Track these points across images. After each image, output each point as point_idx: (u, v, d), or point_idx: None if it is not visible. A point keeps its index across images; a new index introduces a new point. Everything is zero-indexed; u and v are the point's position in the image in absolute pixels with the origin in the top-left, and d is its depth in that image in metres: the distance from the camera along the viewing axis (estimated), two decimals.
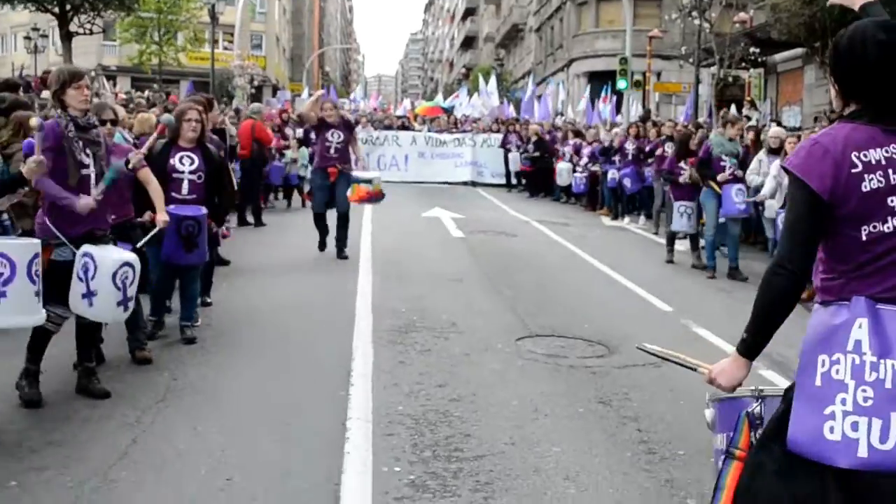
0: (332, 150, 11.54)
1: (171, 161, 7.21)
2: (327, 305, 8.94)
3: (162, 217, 6.60)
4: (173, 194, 7.14)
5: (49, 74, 19.84)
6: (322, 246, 11.96)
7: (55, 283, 5.54)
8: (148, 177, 6.58)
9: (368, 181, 11.64)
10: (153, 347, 6.99)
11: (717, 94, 26.17)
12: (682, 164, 12.28)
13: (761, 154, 12.58)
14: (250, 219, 14.94)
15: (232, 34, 40.80)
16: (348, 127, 11.96)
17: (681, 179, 12.04)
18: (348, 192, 11.54)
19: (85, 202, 5.64)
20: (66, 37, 28.18)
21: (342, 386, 6.21)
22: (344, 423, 5.46)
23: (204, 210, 7.24)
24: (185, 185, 7.24)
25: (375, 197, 11.72)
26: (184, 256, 7.11)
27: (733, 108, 23.68)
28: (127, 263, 5.73)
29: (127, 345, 6.78)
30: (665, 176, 13.22)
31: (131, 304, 5.91)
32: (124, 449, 4.97)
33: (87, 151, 5.76)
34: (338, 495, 4.41)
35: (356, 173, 11.63)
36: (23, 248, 5.12)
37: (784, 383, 6.59)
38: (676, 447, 5.28)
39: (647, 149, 17.22)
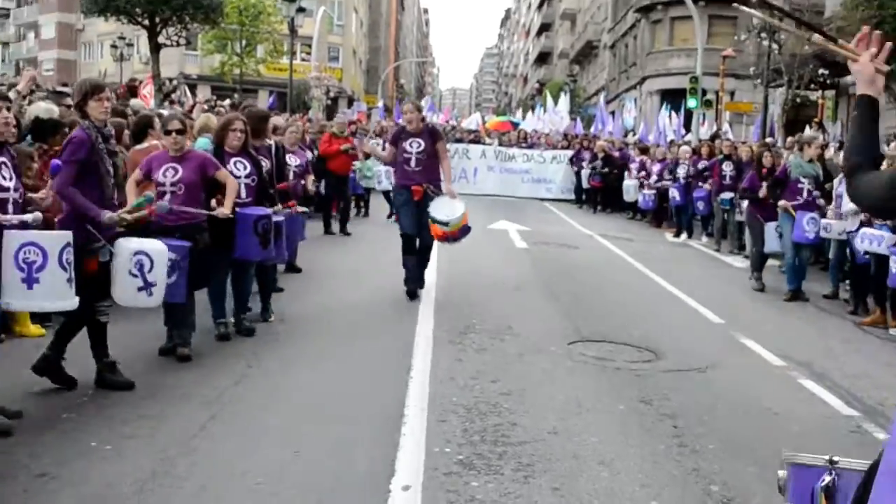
0: (412, 163, 9.69)
1: (228, 167, 7.54)
2: (393, 307, 9.48)
3: (223, 211, 7.02)
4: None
5: (134, 83, 20.69)
6: (411, 293, 9.86)
7: (103, 281, 6.05)
8: (226, 177, 7.15)
9: (445, 223, 9.36)
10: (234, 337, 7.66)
11: (790, 114, 26.29)
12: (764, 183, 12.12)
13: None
14: (335, 228, 15.48)
15: (310, 46, 41.93)
16: (433, 136, 9.95)
17: (760, 194, 11.97)
18: None
19: (110, 217, 5.97)
20: (155, 48, 29.46)
21: (402, 378, 6.73)
22: (402, 410, 5.98)
23: (270, 210, 7.75)
24: (243, 189, 7.63)
25: (452, 237, 9.60)
26: (259, 252, 7.58)
27: (807, 129, 23.80)
28: (141, 252, 6.07)
29: (213, 331, 7.48)
30: (746, 195, 12.97)
31: (155, 291, 6.20)
32: (204, 423, 5.55)
33: (109, 162, 6.16)
34: (393, 468, 4.93)
35: (433, 210, 9.40)
36: (55, 238, 5.44)
37: (822, 395, 6.99)
38: (707, 442, 5.69)
39: (701, 167, 17.45)
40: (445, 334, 8.25)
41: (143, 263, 6.04)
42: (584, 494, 4.75)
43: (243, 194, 7.61)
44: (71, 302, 5.57)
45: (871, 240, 10.05)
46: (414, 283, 9.86)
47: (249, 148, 7.89)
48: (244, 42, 39.91)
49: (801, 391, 7.20)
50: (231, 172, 7.48)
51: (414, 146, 9.74)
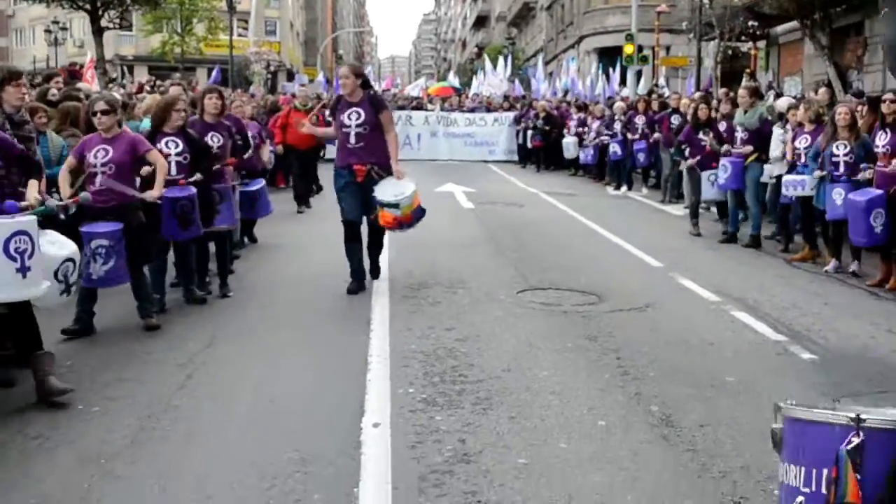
0: (352, 139, 8.43)
1: (158, 145, 7.72)
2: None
3: (154, 194, 7.15)
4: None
5: (75, 66, 20.65)
6: (353, 286, 8.68)
7: None
8: (157, 158, 7.27)
9: (395, 205, 8.30)
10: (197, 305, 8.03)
11: (724, 66, 26.98)
12: (700, 134, 12.67)
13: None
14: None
15: (247, 21, 41.87)
16: (376, 106, 8.60)
17: (708, 145, 12.37)
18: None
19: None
20: (98, 32, 29.41)
21: (363, 331, 7.16)
22: (366, 358, 6.42)
23: (193, 189, 7.85)
24: (174, 167, 7.80)
25: (406, 223, 8.49)
26: (181, 233, 7.80)
27: (743, 79, 24.51)
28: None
29: (182, 296, 7.99)
30: (680, 146, 13.45)
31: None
32: (182, 382, 5.94)
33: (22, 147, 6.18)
34: (363, 409, 5.37)
35: (379, 193, 8.32)
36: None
37: (753, 324, 7.55)
38: (648, 371, 6.21)
39: (656, 119, 17.91)
40: (400, 291, 8.68)
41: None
42: (538, 420, 5.23)
43: (174, 171, 7.77)
44: (44, 286, 5.51)
45: (795, 185, 10.65)
46: (361, 277, 8.74)
47: (186, 127, 8.10)
48: (183, 21, 39.71)
49: (734, 322, 7.77)
50: (161, 150, 7.64)
51: (353, 118, 8.39)
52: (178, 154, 7.88)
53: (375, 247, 9.01)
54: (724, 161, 11.97)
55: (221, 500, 4.18)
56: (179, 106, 8.05)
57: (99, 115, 7.12)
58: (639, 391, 5.79)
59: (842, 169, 9.86)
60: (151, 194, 7.15)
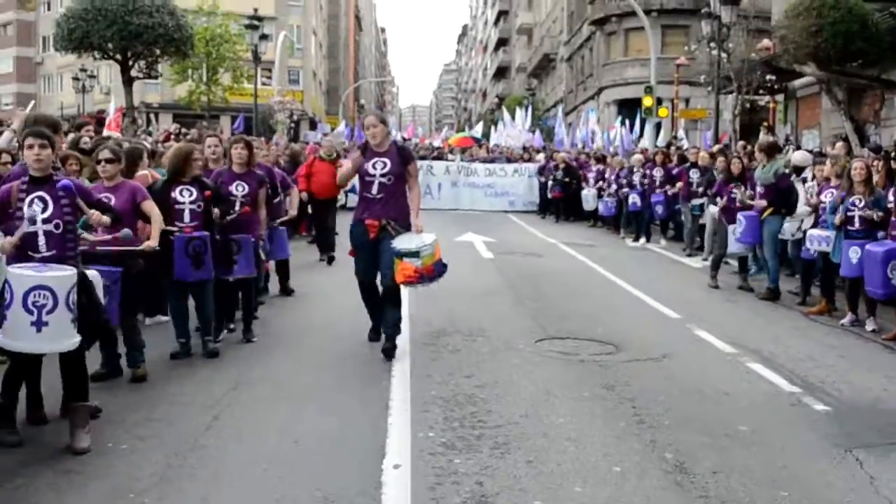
0: (374, 189, 8.07)
1: (174, 194, 7.91)
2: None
3: (151, 244, 7.14)
4: (177, 223, 7.84)
5: (102, 114, 21.06)
6: (373, 334, 8.65)
7: None
8: (151, 209, 7.32)
9: (415, 254, 7.76)
10: (220, 348, 8.22)
11: (743, 118, 27.29)
12: (731, 187, 12.67)
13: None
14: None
15: (271, 70, 42.59)
16: (404, 156, 8.27)
17: (738, 199, 12.34)
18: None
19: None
20: (128, 81, 30.15)
21: (385, 378, 7.33)
22: (387, 403, 6.59)
23: (206, 233, 7.88)
24: (187, 215, 7.90)
25: (428, 275, 7.91)
26: (192, 273, 7.84)
27: (761, 133, 24.76)
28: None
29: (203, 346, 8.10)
30: (714, 198, 13.54)
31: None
32: (209, 423, 6.12)
33: None
34: (384, 451, 5.53)
35: (398, 243, 7.84)
36: (62, 280, 5.50)
37: (768, 375, 7.66)
38: (663, 419, 6.35)
39: (674, 173, 18.02)
40: (420, 338, 8.86)
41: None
42: (555, 465, 5.38)
43: (187, 219, 7.87)
44: (74, 341, 5.62)
45: (820, 240, 10.75)
46: (378, 333, 8.45)
47: (201, 176, 8.23)
48: (209, 71, 40.49)
49: (749, 373, 7.89)
50: (175, 199, 7.84)
51: (378, 167, 8.02)
52: (192, 202, 7.94)
53: (391, 303, 8.17)
54: (740, 216, 12.12)
55: None
56: (196, 156, 8.20)
57: (103, 163, 7.29)
58: (654, 439, 5.92)
59: (857, 224, 10.02)
60: (149, 244, 7.17)
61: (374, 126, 8.08)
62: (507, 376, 7.48)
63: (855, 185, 10.10)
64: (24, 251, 5.67)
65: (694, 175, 16.71)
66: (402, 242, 7.82)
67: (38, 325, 5.38)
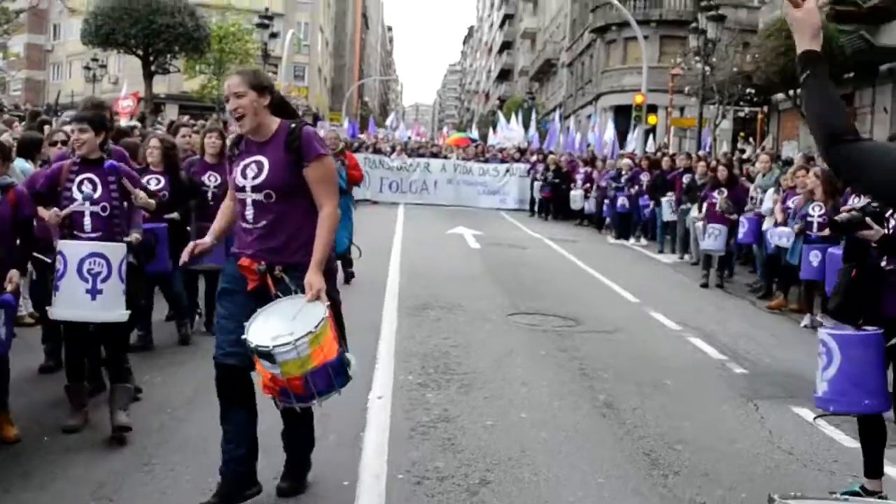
0: (247, 213, 4.50)
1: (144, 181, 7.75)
2: (363, 292, 11.28)
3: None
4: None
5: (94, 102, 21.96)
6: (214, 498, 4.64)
7: None
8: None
9: (267, 355, 4.16)
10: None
11: (736, 129, 28.70)
12: (714, 192, 13.67)
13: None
14: None
15: (277, 66, 43.81)
16: (300, 151, 4.45)
17: (718, 205, 13.37)
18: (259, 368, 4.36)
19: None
20: (149, 76, 32.38)
21: (373, 338, 8.59)
22: (375, 355, 7.86)
23: (163, 225, 7.61)
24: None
25: (296, 393, 4.29)
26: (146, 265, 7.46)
27: (738, 142, 26.20)
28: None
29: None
30: (701, 203, 14.35)
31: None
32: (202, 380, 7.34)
33: None
34: (370, 387, 6.80)
35: (254, 323, 4.28)
36: (116, 250, 5.61)
37: (703, 347, 8.95)
38: (603, 373, 7.66)
39: (669, 178, 19.04)
40: (406, 309, 10.13)
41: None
42: (507, 400, 6.69)
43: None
44: (124, 312, 5.66)
45: (780, 236, 11.83)
46: (233, 481, 4.54)
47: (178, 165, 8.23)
48: (220, 66, 41.86)
49: (687, 345, 9.21)
50: (148, 183, 7.52)
51: (250, 174, 4.49)
52: (158, 191, 7.76)
53: (298, 434, 4.86)
54: (742, 218, 13.22)
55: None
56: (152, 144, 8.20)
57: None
58: (592, 385, 7.24)
59: (815, 229, 10.95)
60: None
61: (237, 94, 4.43)
62: (479, 339, 8.78)
63: (814, 192, 11.17)
64: (70, 230, 5.73)
65: (686, 180, 17.79)
66: (260, 323, 4.28)
67: (94, 292, 5.44)
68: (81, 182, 5.76)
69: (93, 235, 5.70)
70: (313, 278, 4.33)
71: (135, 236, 6.02)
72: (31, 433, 5.53)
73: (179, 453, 5.30)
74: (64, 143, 7.34)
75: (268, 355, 4.16)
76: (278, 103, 4.57)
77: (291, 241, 4.45)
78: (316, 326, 4.20)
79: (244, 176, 4.46)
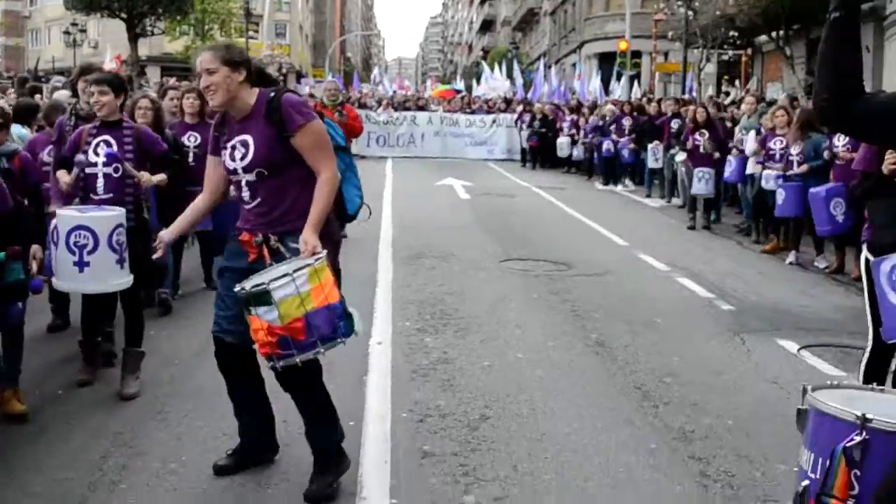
0: (244, 194, 4.42)
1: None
2: (359, 243, 11.43)
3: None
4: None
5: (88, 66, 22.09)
6: (224, 460, 4.67)
7: None
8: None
9: (263, 296, 3.98)
10: None
11: (720, 72, 28.86)
12: (696, 135, 13.89)
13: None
14: None
15: (258, 24, 43.72)
16: (281, 122, 4.29)
17: (702, 146, 13.63)
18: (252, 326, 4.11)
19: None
20: (133, 38, 32.61)
21: (370, 287, 8.81)
22: (373, 303, 8.08)
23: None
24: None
25: (296, 340, 4.02)
26: None
27: (723, 85, 26.33)
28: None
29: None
30: (681, 146, 14.65)
31: None
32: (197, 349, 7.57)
33: None
34: (370, 334, 7.02)
35: (251, 280, 4.13)
36: (105, 220, 5.46)
37: (691, 286, 9.21)
38: (594, 313, 7.91)
39: (657, 123, 19.13)
40: (401, 260, 10.35)
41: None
42: (502, 342, 6.93)
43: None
44: (121, 281, 5.60)
45: (768, 179, 11.88)
46: (249, 452, 4.67)
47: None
48: (202, 26, 41.71)
49: (675, 284, 9.45)
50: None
51: (238, 155, 4.39)
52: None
53: (303, 402, 4.55)
54: (729, 157, 13.34)
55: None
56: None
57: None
58: (584, 325, 7.48)
59: (795, 167, 11.03)
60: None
61: (209, 70, 4.29)
62: (473, 286, 9.01)
63: (777, 128, 11.40)
64: (87, 193, 5.82)
65: (675, 125, 17.86)
66: (256, 278, 4.18)
67: (80, 265, 5.38)
68: (98, 144, 5.81)
69: (105, 197, 5.74)
70: (308, 237, 4.20)
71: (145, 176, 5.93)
72: (47, 389, 5.74)
73: (192, 401, 5.52)
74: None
75: (264, 294, 3.96)
76: (258, 74, 4.49)
77: (290, 210, 4.35)
78: (315, 261, 4.07)
79: (233, 158, 4.37)
